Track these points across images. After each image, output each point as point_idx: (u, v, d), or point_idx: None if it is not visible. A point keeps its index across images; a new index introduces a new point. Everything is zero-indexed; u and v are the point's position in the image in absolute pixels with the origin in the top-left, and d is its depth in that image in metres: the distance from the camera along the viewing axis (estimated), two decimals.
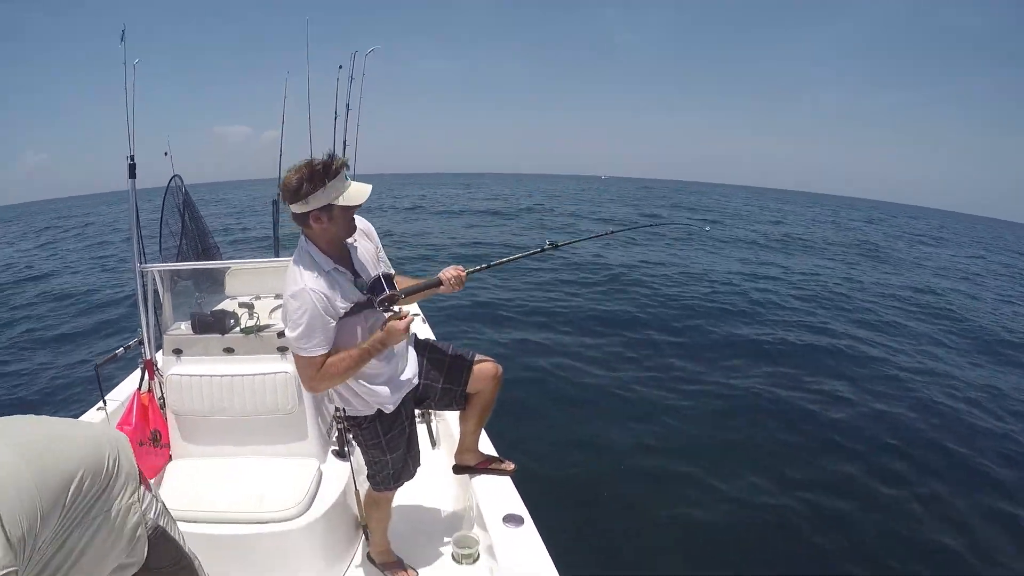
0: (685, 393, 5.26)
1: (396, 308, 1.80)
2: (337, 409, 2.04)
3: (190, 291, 2.84)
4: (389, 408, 1.91)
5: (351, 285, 1.73)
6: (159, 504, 1.36)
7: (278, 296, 2.87)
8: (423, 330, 3.71)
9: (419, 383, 2.03)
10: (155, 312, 2.60)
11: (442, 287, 1.84)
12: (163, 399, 2.48)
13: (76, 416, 2.81)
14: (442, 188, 48.20)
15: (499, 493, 2.19)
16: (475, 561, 2.16)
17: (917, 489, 3.93)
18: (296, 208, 1.63)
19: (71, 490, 1.00)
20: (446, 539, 2.29)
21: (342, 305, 1.69)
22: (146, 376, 2.53)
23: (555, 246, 1.98)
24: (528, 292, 8.90)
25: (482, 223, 19.31)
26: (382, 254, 1.93)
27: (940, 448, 4.53)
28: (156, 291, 2.61)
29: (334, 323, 1.68)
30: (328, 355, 1.68)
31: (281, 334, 2.37)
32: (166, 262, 2.68)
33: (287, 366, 2.33)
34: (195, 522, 2.09)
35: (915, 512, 3.68)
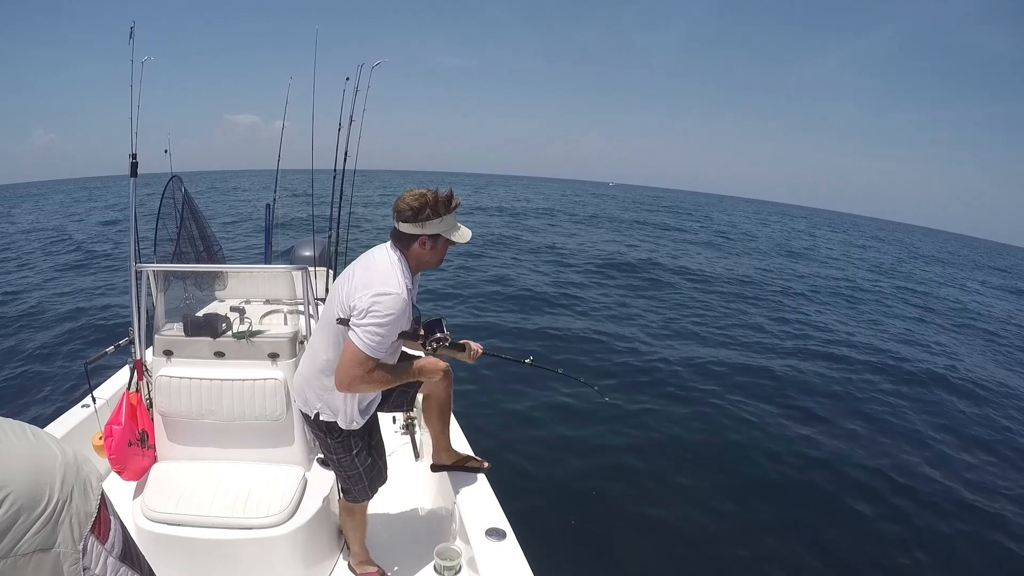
0: (671, 403, 5.34)
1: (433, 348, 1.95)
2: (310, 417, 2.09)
3: (179, 292, 2.83)
4: (359, 425, 1.98)
5: (411, 313, 1.82)
6: (108, 560, 0.93)
7: (268, 301, 2.89)
8: None
9: None
10: (147, 312, 2.60)
11: (463, 355, 2.03)
12: (150, 400, 2.47)
13: (59, 413, 2.79)
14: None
15: (482, 506, 2.22)
16: (456, 573, 2.18)
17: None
18: (409, 228, 1.74)
19: None
20: (428, 551, 2.30)
21: (402, 327, 1.79)
22: (135, 376, 2.52)
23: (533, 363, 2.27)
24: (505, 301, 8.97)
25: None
26: None
27: None
28: (149, 291, 2.61)
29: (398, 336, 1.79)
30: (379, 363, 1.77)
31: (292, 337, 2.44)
32: (161, 263, 2.68)
33: (277, 373, 2.34)
34: (179, 525, 2.10)
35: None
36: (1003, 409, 6.38)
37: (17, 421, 0.79)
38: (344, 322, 1.76)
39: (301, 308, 2.53)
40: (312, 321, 2.52)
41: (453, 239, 1.80)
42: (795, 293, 11.84)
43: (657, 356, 6.67)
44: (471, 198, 31.82)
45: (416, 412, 3.03)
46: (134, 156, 2.61)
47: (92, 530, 0.89)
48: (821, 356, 7.41)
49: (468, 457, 2.45)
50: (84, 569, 0.87)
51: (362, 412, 1.96)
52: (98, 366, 2.79)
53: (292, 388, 2.09)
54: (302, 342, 2.51)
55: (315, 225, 3.05)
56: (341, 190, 2.78)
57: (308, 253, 3.25)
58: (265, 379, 2.34)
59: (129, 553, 0.96)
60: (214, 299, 2.95)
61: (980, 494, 4.30)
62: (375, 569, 2.26)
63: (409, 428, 2.96)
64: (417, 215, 1.72)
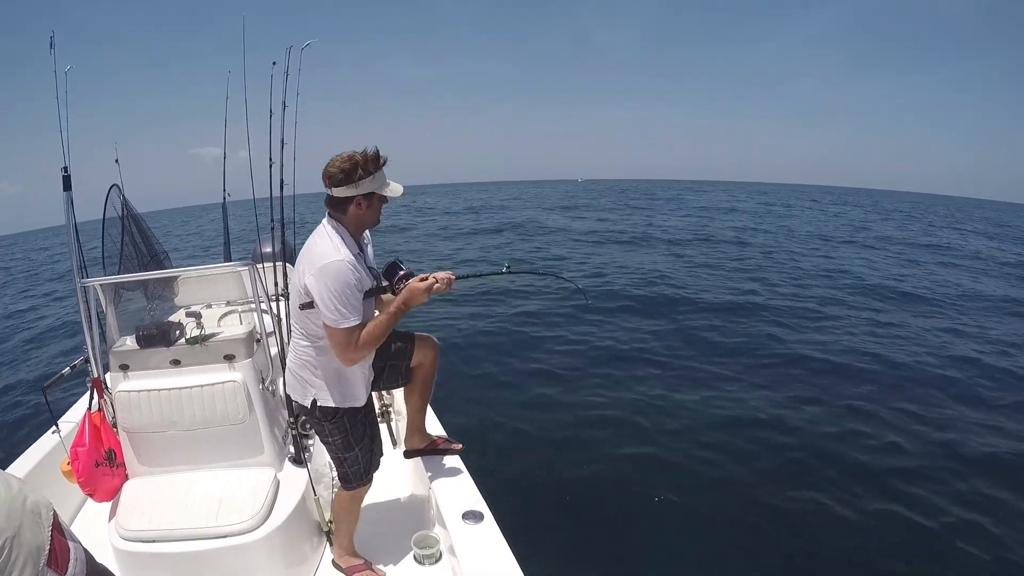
0: (652, 386, 5.14)
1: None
2: (295, 410, 2.11)
3: (140, 304, 2.75)
4: (360, 403, 1.99)
5: (367, 273, 1.86)
6: None
7: (230, 303, 2.79)
8: None
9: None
10: (100, 328, 2.52)
11: (438, 286, 1.97)
12: (115, 417, 2.41)
13: (30, 442, 2.74)
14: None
15: (458, 490, 2.15)
16: (437, 561, 2.11)
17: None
18: (342, 191, 1.77)
19: None
20: (407, 540, 2.24)
21: (362, 287, 1.82)
22: (95, 395, 2.45)
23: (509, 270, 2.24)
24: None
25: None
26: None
27: None
28: (99, 307, 2.52)
29: (362, 297, 1.82)
30: (361, 326, 1.80)
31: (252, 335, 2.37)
32: (108, 275, 2.59)
33: (235, 375, 2.26)
34: (153, 542, 2.04)
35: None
36: None
37: None
38: (307, 306, 1.81)
39: (253, 306, 2.43)
40: (268, 317, 2.43)
41: (386, 195, 1.85)
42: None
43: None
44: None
45: (390, 399, 2.95)
46: (66, 169, 2.52)
47: (49, 563, 0.88)
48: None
49: (441, 438, 2.44)
50: None
51: (355, 390, 1.97)
52: (69, 390, 2.73)
53: (286, 383, 2.09)
54: (258, 340, 2.42)
55: (267, 221, 2.92)
56: (282, 179, 2.65)
57: (269, 249, 3.14)
58: (223, 382, 2.26)
59: None
60: (177, 307, 2.87)
61: None
62: (361, 561, 2.20)
63: (385, 416, 2.89)
64: (350, 176, 1.75)
